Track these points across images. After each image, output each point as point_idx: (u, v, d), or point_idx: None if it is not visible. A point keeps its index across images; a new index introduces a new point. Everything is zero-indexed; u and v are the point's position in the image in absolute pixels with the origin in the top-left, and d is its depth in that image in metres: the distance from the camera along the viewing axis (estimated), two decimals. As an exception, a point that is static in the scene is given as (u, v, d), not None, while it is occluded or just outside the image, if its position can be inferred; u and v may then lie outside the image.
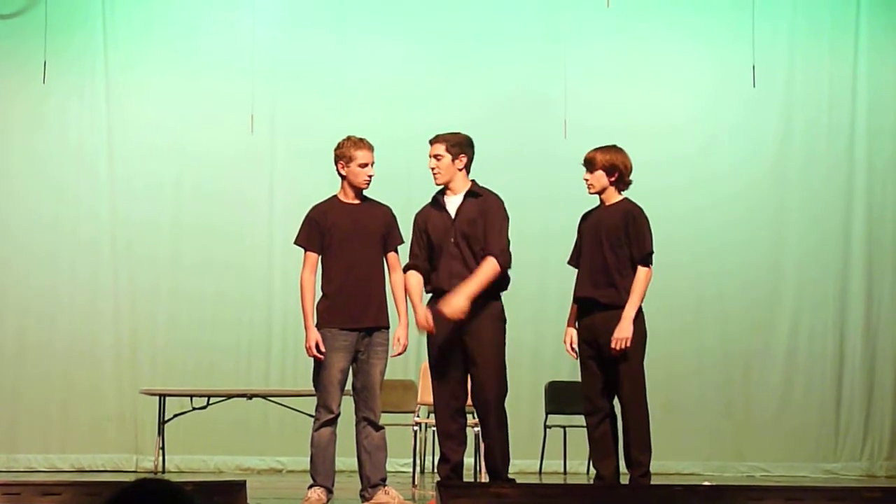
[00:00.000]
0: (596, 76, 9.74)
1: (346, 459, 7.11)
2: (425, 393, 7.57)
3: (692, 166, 9.74)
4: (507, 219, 6.10)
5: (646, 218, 6.11)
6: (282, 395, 8.95)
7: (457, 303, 5.89)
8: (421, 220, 6.23)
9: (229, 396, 8.85)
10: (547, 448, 9.11)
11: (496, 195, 6.17)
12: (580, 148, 6.40)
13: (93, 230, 9.58)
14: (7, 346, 9.46)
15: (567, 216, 7.16)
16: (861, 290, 9.74)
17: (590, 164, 6.17)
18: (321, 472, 6.25)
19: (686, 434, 9.41)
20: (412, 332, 6.26)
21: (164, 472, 8.90)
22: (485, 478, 7.03)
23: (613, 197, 6.17)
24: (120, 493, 2.56)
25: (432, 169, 6.16)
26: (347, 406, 6.29)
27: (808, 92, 9.85)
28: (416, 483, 8.21)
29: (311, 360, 6.27)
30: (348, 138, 6.33)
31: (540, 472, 9.06)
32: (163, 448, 8.88)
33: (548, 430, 9.12)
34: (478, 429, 6.50)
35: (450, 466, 6.05)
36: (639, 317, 6.03)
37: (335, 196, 6.40)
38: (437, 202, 6.19)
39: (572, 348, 6.20)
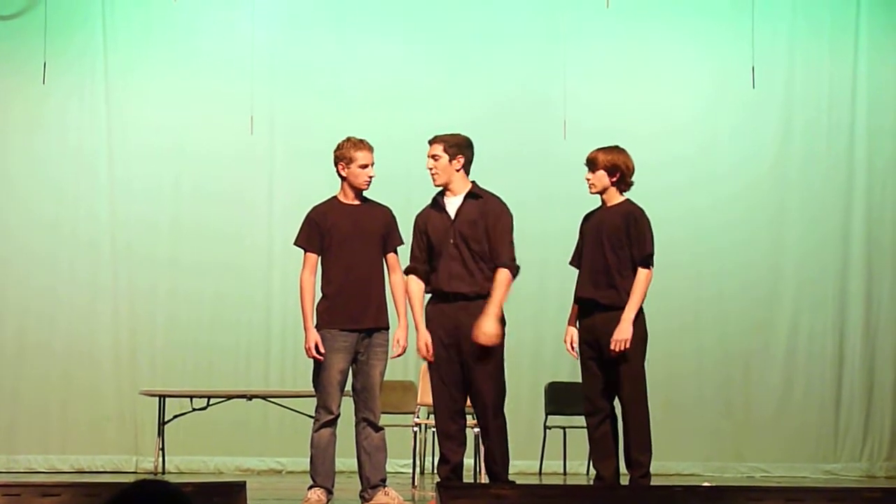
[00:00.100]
0: (596, 77, 9.74)
1: (345, 460, 7.11)
2: (425, 394, 7.57)
3: (692, 167, 9.74)
4: (512, 223, 6.10)
5: (647, 220, 6.11)
6: (281, 395, 8.95)
7: (489, 329, 5.93)
8: (421, 222, 6.23)
9: (229, 397, 8.85)
10: (547, 449, 9.11)
11: (497, 198, 6.16)
12: (580, 148, 6.40)
13: (92, 231, 9.58)
14: (6, 346, 9.45)
15: (567, 217, 7.16)
16: (861, 290, 9.74)
17: (592, 163, 6.17)
18: (321, 472, 6.25)
19: (686, 434, 9.40)
20: (411, 333, 6.26)
21: (163, 473, 8.91)
22: (484, 479, 7.03)
23: (615, 198, 6.17)
24: (119, 495, 2.56)
25: (430, 169, 6.15)
26: (347, 407, 6.29)
27: (808, 92, 9.85)
28: (415, 484, 8.21)
29: (311, 360, 6.27)
30: (348, 139, 6.33)
31: (540, 473, 9.06)
32: (162, 449, 8.88)
33: (547, 430, 9.11)
34: (477, 430, 6.49)
35: (449, 467, 6.04)
36: (639, 318, 6.04)
37: (335, 197, 6.39)
38: (437, 203, 6.19)
39: (572, 348, 6.20)
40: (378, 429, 6.28)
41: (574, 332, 6.20)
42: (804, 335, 9.73)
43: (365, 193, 6.37)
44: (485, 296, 5.99)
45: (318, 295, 6.34)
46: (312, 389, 6.35)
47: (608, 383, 6.07)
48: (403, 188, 8.53)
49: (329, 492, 6.28)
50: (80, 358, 9.46)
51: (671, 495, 4.84)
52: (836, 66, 9.85)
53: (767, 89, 9.70)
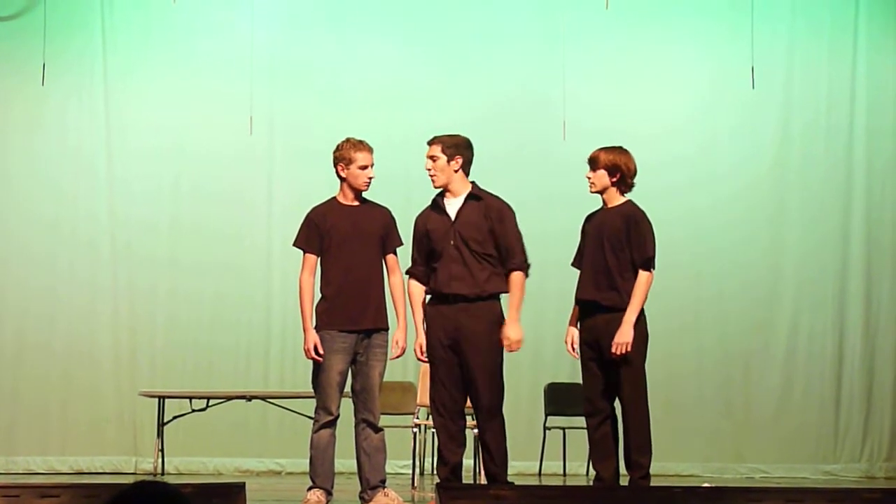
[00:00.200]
0: (595, 77, 9.73)
1: (345, 461, 7.10)
2: (424, 395, 7.55)
3: (691, 167, 9.74)
4: (515, 219, 6.11)
5: (648, 222, 6.10)
6: (281, 396, 8.95)
7: (514, 335, 5.98)
8: (421, 224, 6.22)
9: (228, 398, 8.85)
10: (546, 450, 9.11)
11: (499, 199, 6.15)
12: (579, 149, 6.39)
13: (92, 231, 9.57)
14: (6, 347, 9.45)
15: (566, 217, 7.16)
16: (860, 290, 9.73)
17: (593, 162, 6.17)
18: (320, 473, 6.25)
19: (685, 435, 9.40)
20: (411, 335, 6.25)
21: (163, 474, 8.91)
22: (484, 479, 7.02)
23: (616, 199, 6.16)
24: (119, 496, 2.56)
25: (428, 171, 6.14)
26: (347, 408, 6.29)
27: (807, 93, 9.85)
28: (415, 485, 8.20)
29: (310, 361, 6.27)
30: (347, 140, 6.32)
31: (539, 474, 9.06)
32: (162, 450, 8.88)
33: (547, 431, 9.11)
34: (476, 430, 6.49)
35: (449, 468, 6.04)
36: (640, 319, 6.03)
37: (334, 198, 6.39)
38: (437, 205, 6.17)
39: (573, 349, 6.20)
40: (377, 430, 6.27)
41: (575, 333, 6.20)
42: (804, 335, 9.73)
43: (364, 194, 6.37)
44: (485, 297, 5.99)
45: (318, 296, 6.34)
46: (312, 390, 6.35)
47: (608, 384, 6.06)
48: (403, 189, 8.53)
49: (328, 493, 6.28)
50: (80, 358, 9.46)
51: (671, 496, 4.84)
52: (835, 67, 9.85)
53: (767, 90, 9.70)
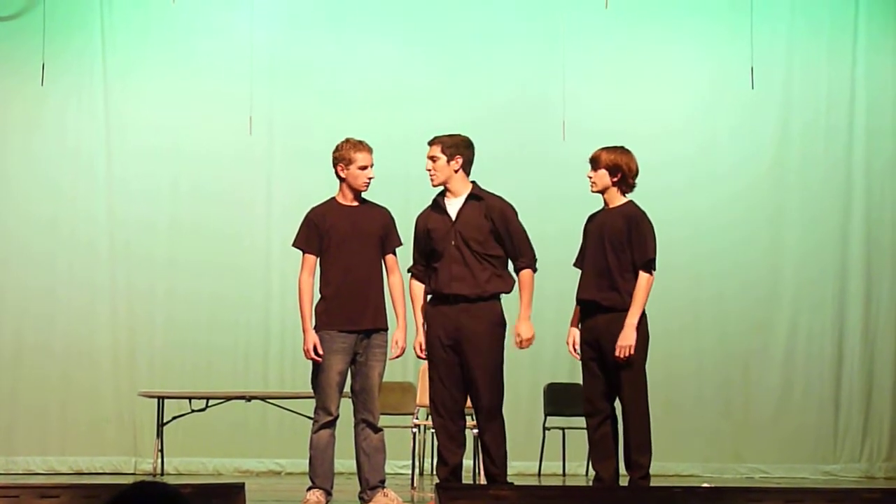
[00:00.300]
0: (595, 77, 9.73)
1: (344, 461, 7.10)
2: (424, 395, 7.55)
3: (691, 167, 9.74)
4: (518, 217, 6.12)
5: (649, 223, 6.09)
6: (280, 397, 8.95)
7: (525, 332, 6.06)
8: (421, 224, 6.22)
9: (228, 398, 8.85)
10: (546, 450, 9.10)
11: (500, 199, 6.14)
12: (579, 149, 6.39)
13: (91, 231, 9.57)
14: (5, 347, 9.44)
15: (566, 217, 7.17)
16: (860, 290, 9.73)
17: (594, 161, 6.16)
18: (320, 474, 6.25)
19: (685, 435, 9.40)
20: (410, 335, 6.25)
21: (162, 474, 8.90)
22: (484, 480, 7.02)
23: (617, 199, 6.15)
24: (118, 496, 2.56)
25: (428, 170, 6.14)
26: (346, 408, 6.29)
27: (807, 93, 9.84)
28: (414, 485, 8.20)
29: (310, 361, 6.26)
30: (347, 140, 6.32)
31: (539, 474, 9.05)
32: (161, 450, 8.88)
33: (546, 431, 9.11)
34: (476, 430, 6.49)
35: (448, 468, 6.03)
36: (641, 320, 6.02)
37: (333, 198, 6.39)
38: (438, 205, 6.17)
39: (575, 349, 6.20)
40: (377, 430, 6.27)
41: (577, 334, 6.20)
42: (803, 336, 9.73)
43: (364, 194, 6.37)
44: (486, 298, 6.00)
45: (317, 296, 6.33)
46: (311, 391, 6.35)
47: (609, 384, 6.06)
48: (402, 189, 8.53)
49: (328, 493, 6.28)
50: (79, 359, 9.45)
51: (670, 496, 4.84)
52: (834, 67, 9.85)
53: (766, 90, 9.69)
